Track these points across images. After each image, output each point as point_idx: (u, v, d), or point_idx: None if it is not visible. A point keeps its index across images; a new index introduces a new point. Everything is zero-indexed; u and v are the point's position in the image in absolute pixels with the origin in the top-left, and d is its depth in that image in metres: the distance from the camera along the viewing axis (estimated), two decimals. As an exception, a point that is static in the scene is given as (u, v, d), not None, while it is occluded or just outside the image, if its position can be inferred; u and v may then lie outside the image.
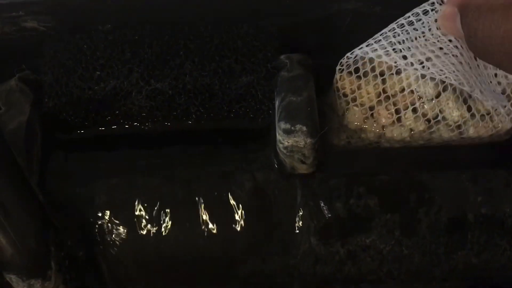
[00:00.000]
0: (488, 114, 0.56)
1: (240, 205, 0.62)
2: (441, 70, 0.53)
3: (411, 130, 0.59)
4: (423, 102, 0.57)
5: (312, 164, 0.60)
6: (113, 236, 0.63)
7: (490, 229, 0.61)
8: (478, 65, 0.56)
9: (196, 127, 0.65)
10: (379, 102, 0.58)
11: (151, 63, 0.61)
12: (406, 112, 0.58)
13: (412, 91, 0.57)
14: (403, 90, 0.56)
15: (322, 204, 0.62)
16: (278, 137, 0.57)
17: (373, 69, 0.57)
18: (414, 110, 0.57)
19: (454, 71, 0.52)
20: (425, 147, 0.64)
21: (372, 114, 0.60)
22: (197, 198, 0.62)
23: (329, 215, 0.62)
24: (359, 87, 0.59)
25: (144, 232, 0.63)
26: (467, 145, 0.62)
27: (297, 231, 0.62)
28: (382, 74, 0.58)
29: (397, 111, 0.58)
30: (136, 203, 0.63)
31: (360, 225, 0.62)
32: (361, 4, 0.65)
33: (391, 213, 0.61)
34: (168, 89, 0.61)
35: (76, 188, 0.63)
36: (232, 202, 0.62)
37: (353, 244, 0.62)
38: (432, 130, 0.58)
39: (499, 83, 0.59)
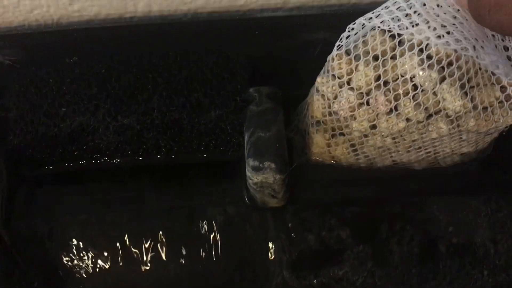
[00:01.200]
0: (491, 106, 0.52)
1: (211, 240, 0.61)
2: (457, 40, 0.47)
3: (408, 120, 0.54)
4: (424, 89, 0.51)
5: (283, 198, 0.60)
6: (83, 274, 0.61)
7: (462, 259, 0.61)
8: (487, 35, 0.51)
9: (166, 161, 0.64)
10: (378, 86, 0.53)
11: (118, 98, 0.60)
12: (405, 99, 0.52)
13: (413, 76, 0.51)
14: (404, 74, 0.51)
15: (294, 237, 0.61)
16: (247, 173, 0.57)
17: (374, 49, 0.51)
18: (415, 97, 0.53)
19: (471, 42, 0.48)
20: (395, 177, 0.64)
21: (367, 101, 0.54)
22: (167, 234, 0.62)
23: (302, 248, 0.61)
24: (356, 68, 0.52)
25: (114, 269, 0.61)
26: (452, 153, 0.60)
27: (270, 265, 0.61)
28: (383, 55, 0.51)
29: (396, 98, 0.52)
30: (105, 239, 0.62)
31: (332, 257, 0.61)
32: (331, 33, 0.64)
33: (363, 244, 0.61)
34: (136, 124, 0.60)
35: (43, 226, 0.62)
36: (203, 236, 0.61)
37: (326, 276, 0.61)
38: (430, 120, 0.54)
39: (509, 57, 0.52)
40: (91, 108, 0.59)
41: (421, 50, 0.50)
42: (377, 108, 0.54)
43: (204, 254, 0.61)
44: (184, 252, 0.61)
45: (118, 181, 0.65)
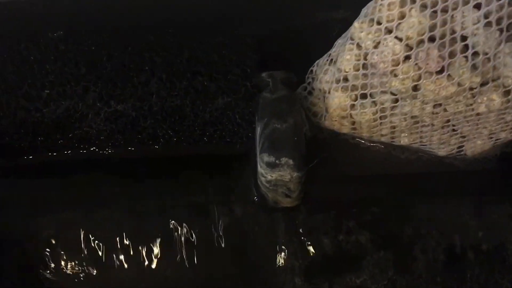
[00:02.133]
0: None
1: (215, 243, 0.54)
2: None
3: (459, 84, 0.46)
4: (484, 51, 0.44)
5: (297, 198, 0.53)
6: (64, 279, 0.54)
7: (491, 267, 0.55)
8: None
9: (164, 153, 0.56)
10: (431, 39, 0.44)
11: (111, 81, 0.52)
12: (461, 59, 0.44)
13: (474, 34, 0.43)
14: (465, 28, 0.43)
15: (307, 241, 0.55)
16: (260, 170, 0.50)
17: None
18: (473, 57, 0.44)
19: None
20: (420, 175, 0.58)
21: (416, 54, 0.46)
22: (163, 236, 0.55)
23: (316, 253, 0.55)
24: (410, 13, 0.45)
25: (100, 274, 0.54)
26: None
27: (280, 272, 0.55)
28: (444, 0, 0.44)
29: (451, 55, 0.44)
30: (92, 240, 0.54)
31: (350, 264, 0.55)
32: (351, 13, 0.57)
33: (384, 250, 0.55)
34: (131, 111, 0.52)
35: (21, 223, 0.54)
36: (206, 240, 0.54)
37: (342, 284, 0.55)
38: (484, 88, 0.46)
39: None
40: (80, 91, 0.52)
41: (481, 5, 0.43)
42: (427, 64, 0.45)
43: (206, 258, 0.54)
44: (184, 256, 0.54)
45: (108, 174, 0.57)
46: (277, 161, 0.48)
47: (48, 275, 0.54)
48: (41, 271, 0.54)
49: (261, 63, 0.56)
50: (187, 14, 0.59)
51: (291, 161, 0.48)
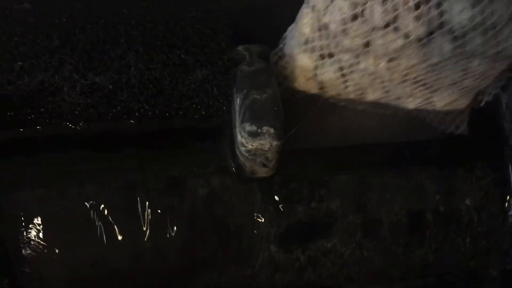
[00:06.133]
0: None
1: (193, 214, 0.56)
2: None
3: (406, 36, 0.48)
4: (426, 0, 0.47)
5: (273, 167, 0.55)
6: (44, 256, 0.53)
7: (448, 227, 0.61)
8: None
9: (139, 127, 0.56)
10: None
11: (86, 53, 0.51)
12: (404, 10, 0.47)
13: None
14: None
15: (282, 209, 0.57)
16: (241, 139, 0.51)
17: None
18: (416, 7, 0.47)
19: None
20: (384, 145, 0.62)
21: (362, 11, 0.48)
22: (142, 208, 0.55)
23: (290, 220, 0.57)
24: None
25: (81, 249, 0.54)
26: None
27: (256, 239, 0.57)
28: None
29: (395, 8, 0.48)
30: (71, 216, 0.54)
31: (321, 229, 0.58)
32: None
33: (353, 215, 0.59)
34: (109, 84, 0.52)
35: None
36: (184, 210, 0.55)
37: (314, 249, 0.58)
38: (432, 38, 0.48)
39: None
40: (55, 63, 0.50)
41: None
42: (373, 20, 0.48)
43: (183, 230, 0.55)
44: (161, 228, 0.55)
45: (81, 149, 0.56)
46: (259, 130, 0.49)
47: (22, 254, 0.53)
48: (15, 250, 0.53)
49: (235, 37, 0.57)
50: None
51: (272, 130, 0.50)
